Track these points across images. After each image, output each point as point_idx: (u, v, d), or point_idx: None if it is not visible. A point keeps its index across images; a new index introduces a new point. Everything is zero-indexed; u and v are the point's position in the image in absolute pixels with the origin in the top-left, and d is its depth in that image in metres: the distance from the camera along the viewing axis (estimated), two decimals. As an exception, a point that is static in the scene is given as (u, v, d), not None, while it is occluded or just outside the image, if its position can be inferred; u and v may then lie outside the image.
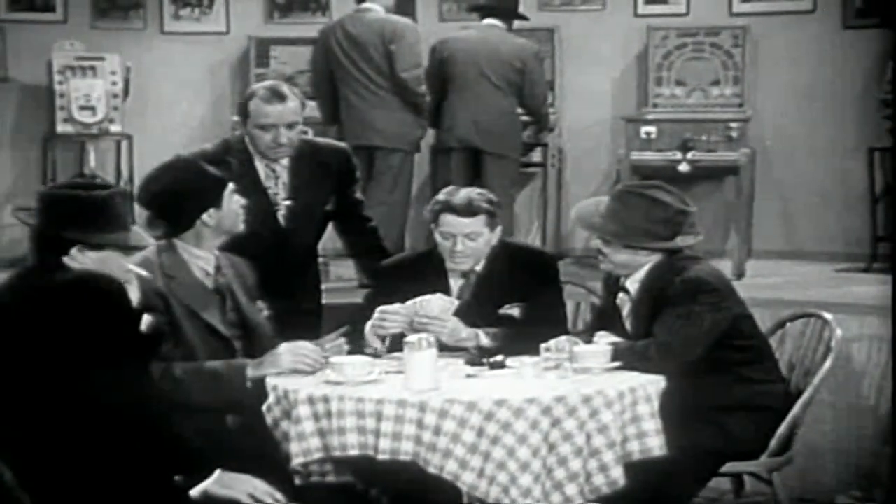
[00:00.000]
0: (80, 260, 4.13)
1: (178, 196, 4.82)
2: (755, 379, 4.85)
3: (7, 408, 3.78)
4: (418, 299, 4.93)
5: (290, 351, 4.66)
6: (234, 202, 4.83)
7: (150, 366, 4.24)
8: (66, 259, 4.12)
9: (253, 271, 4.96)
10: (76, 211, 4.19)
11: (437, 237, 5.13)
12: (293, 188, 5.53)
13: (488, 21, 8.27)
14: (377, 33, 7.94)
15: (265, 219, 5.31)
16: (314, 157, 5.58)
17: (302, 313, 5.47)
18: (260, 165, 5.50)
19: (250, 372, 4.66)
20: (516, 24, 8.46)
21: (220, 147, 5.54)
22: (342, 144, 5.92)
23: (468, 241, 5.07)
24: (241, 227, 4.87)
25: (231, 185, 4.84)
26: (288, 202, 5.52)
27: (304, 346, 4.69)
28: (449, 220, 5.07)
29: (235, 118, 5.55)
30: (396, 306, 4.93)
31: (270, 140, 5.41)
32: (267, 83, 5.64)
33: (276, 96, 5.40)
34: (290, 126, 5.42)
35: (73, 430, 3.76)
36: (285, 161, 5.52)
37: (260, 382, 4.61)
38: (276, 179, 5.53)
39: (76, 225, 4.16)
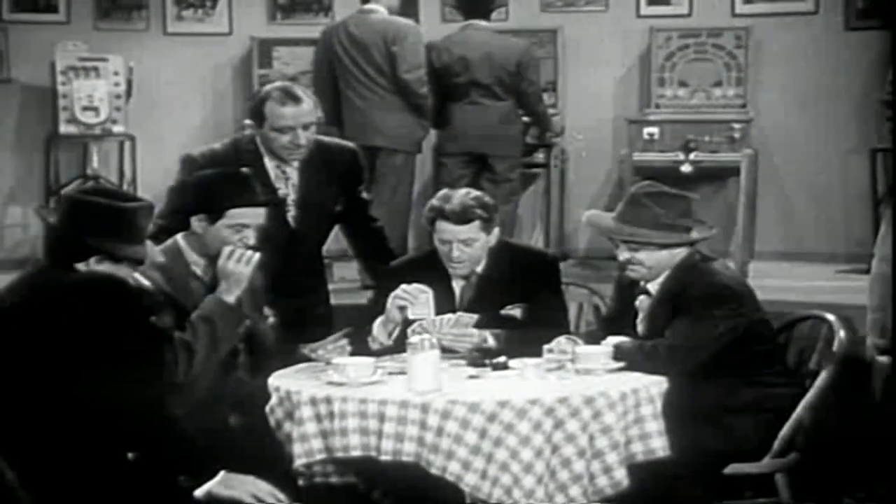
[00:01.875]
0: (95, 269, 4.13)
1: (184, 187, 4.87)
2: (764, 382, 4.84)
3: (12, 406, 3.78)
4: (445, 317, 4.93)
5: (230, 259, 4.68)
6: (231, 233, 4.77)
7: (156, 364, 4.25)
8: (80, 265, 4.11)
9: (262, 278, 4.96)
10: (105, 221, 4.15)
11: (436, 242, 5.13)
12: (303, 189, 5.51)
13: (475, 22, 8.24)
14: (379, 34, 7.93)
15: (275, 220, 5.31)
16: (323, 157, 5.56)
17: (311, 314, 5.47)
18: (270, 166, 5.48)
19: (227, 298, 4.67)
20: (519, 24, 8.46)
21: (229, 147, 5.53)
22: (350, 144, 5.87)
23: (464, 247, 5.07)
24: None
25: (245, 219, 4.77)
26: (296, 203, 5.50)
27: (238, 251, 4.70)
28: (444, 227, 5.06)
29: (248, 121, 5.50)
30: (415, 287, 4.93)
31: (288, 142, 5.38)
32: (278, 84, 5.61)
33: (291, 98, 5.38)
34: (306, 127, 5.39)
35: (79, 429, 3.76)
36: (295, 162, 5.51)
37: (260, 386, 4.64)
38: (286, 181, 5.51)
39: (102, 234, 4.12)
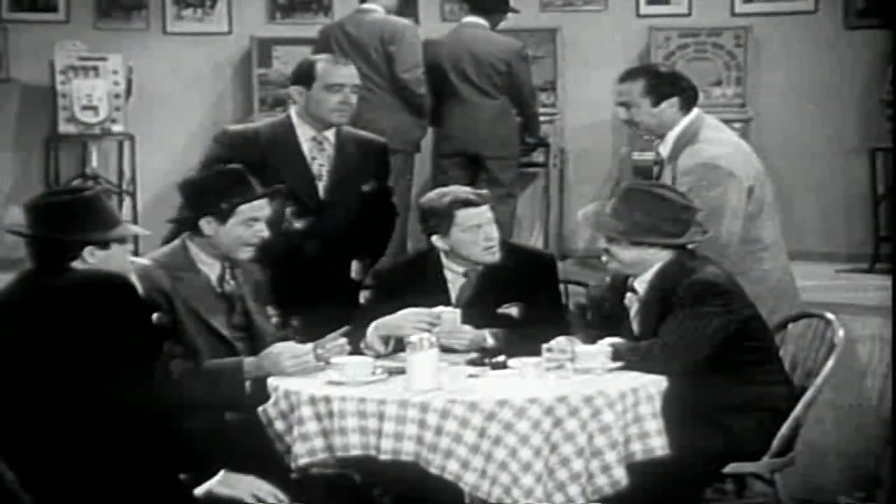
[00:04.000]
0: (90, 261, 4.18)
1: (191, 186, 4.89)
2: (761, 380, 4.85)
3: (11, 407, 3.78)
4: (436, 310, 4.94)
5: (289, 352, 4.67)
6: (244, 229, 4.81)
7: (156, 363, 4.25)
8: (76, 262, 4.14)
9: (264, 273, 4.99)
10: (77, 215, 4.24)
11: (460, 236, 5.08)
12: (338, 159, 5.59)
13: (471, 19, 8.23)
14: (376, 34, 7.94)
15: (306, 192, 5.47)
16: (356, 139, 5.69)
17: (345, 291, 5.57)
18: (304, 138, 5.57)
19: (249, 373, 4.68)
20: (518, 23, 8.45)
21: (260, 124, 5.72)
22: (381, 138, 5.92)
23: (493, 230, 5.11)
24: (242, 255, 4.87)
25: (254, 212, 4.82)
26: (330, 173, 5.59)
27: (301, 349, 4.69)
28: (471, 212, 5.08)
29: (293, 87, 5.60)
30: (422, 311, 4.93)
31: (338, 102, 5.52)
32: (324, 55, 5.94)
33: (342, 61, 5.70)
34: (354, 90, 5.56)
35: (79, 428, 3.76)
36: (331, 137, 5.58)
37: (259, 383, 4.63)
38: (322, 151, 5.59)
39: (81, 228, 4.20)
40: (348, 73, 5.59)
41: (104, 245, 4.24)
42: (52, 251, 4.22)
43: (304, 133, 5.59)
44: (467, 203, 5.09)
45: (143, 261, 4.74)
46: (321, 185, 5.58)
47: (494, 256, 5.12)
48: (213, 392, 4.58)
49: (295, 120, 5.61)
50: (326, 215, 5.57)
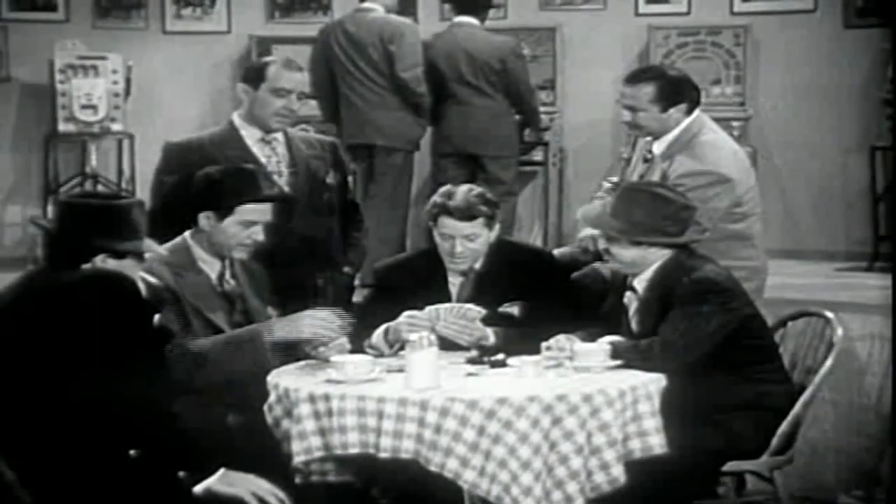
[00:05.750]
0: (100, 268, 4.19)
1: (189, 184, 4.91)
2: (761, 379, 4.84)
3: (13, 405, 3.78)
4: (451, 306, 4.94)
5: (311, 316, 4.68)
6: (240, 230, 4.82)
7: (158, 361, 4.25)
8: (86, 266, 4.15)
9: (262, 268, 5.00)
10: (105, 220, 4.25)
11: (437, 238, 5.12)
12: (292, 155, 5.52)
13: (461, 19, 8.22)
14: (376, 33, 7.94)
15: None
16: (305, 139, 5.65)
17: (311, 285, 5.51)
18: (251, 141, 5.48)
19: (267, 336, 4.70)
20: (517, 22, 8.45)
21: (204, 134, 5.63)
22: (329, 137, 5.92)
23: (467, 243, 5.06)
24: (236, 255, 4.88)
25: (255, 215, 4.82)
26: (288, 167, 5.52)
27: (325, 312, 4.71)
28: (447, 223, 5.06)
29: (241, 85, 5.51)
30: (424, 312, 4.91)
31: (282, 106, 5.44)
32: (278, 56, 5.83)
33: (295, 66, 5.55)
34: (300, 97, 5.50)
35: (79, 426, 3.76)
36: (280, 137, 5.52)
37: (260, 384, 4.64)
38: (273, 150, 5.51)
39: (104, 234, 4.21)
40: (297, 79, 5.48)
41: (119, 255, 4.24)
42: (68, 251, 4.22)
43: (250, 135, 5.49)
44: (446, 212, 5.07)
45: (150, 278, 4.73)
46: (283, 181, 5.46)
47: (459, 268, 5.11)
48: (236, 361, 4.59)
49: (238, 122, 5.51)
50: (298, 209, 5.46)
